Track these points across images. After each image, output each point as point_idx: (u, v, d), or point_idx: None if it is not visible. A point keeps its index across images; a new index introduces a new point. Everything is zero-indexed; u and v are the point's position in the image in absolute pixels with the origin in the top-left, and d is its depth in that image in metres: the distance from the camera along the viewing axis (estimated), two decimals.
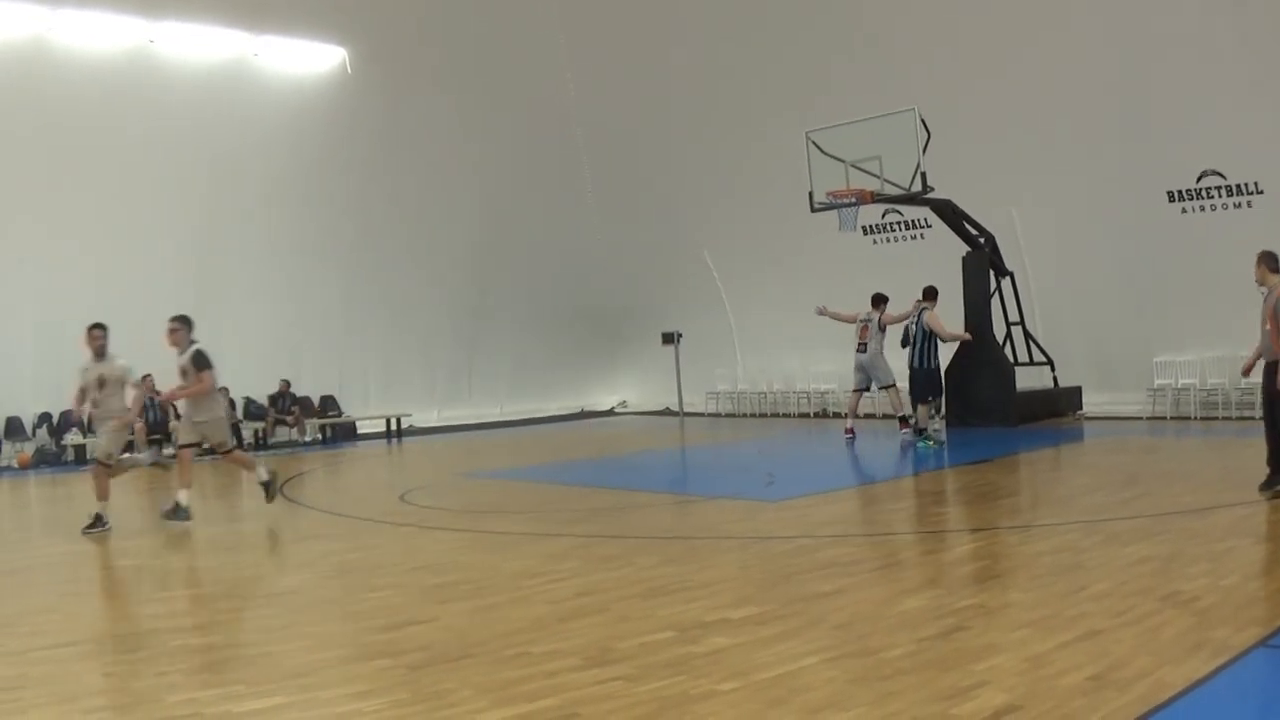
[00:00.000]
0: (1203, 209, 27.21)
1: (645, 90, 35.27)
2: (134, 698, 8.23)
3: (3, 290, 30.14)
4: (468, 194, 36.76)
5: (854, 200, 26.91)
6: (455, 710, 7.50)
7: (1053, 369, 29.64)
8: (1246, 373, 16.06)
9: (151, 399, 28.59)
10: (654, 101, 35.47)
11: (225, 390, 30.51)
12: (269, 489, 19.18)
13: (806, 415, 35.19)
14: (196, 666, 9.00)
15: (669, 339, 35.59)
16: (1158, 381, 28.07)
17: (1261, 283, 14.71)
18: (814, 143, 27.79)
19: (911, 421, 25.40)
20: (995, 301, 28.56)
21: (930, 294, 25.26)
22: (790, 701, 7.42)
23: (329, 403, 36.23)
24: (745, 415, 36.30)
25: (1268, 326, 14.55)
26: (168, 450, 27.82)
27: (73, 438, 30.90)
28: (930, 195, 26.58)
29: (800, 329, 33.07)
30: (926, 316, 24.63)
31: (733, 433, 27.52)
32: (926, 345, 25.06)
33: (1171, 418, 27.37)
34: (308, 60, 34.95)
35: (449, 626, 9.98)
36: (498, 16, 34.61)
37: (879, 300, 26.44)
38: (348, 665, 8.94)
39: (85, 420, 26.70)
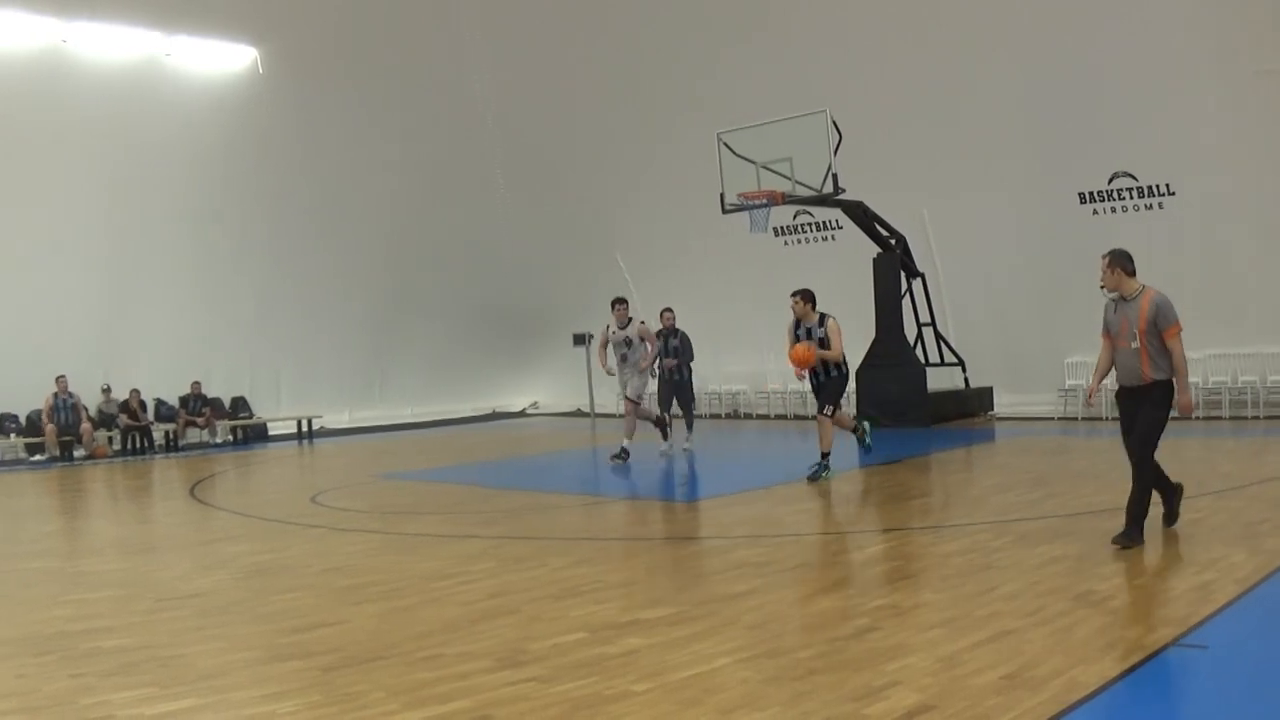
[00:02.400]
0: (1114, 210, 27.51)
1: (558, 89, 35.37)
2: (47, 700, 8.20)
3: None
4: (381, 194, 36.73)
5: (765, 202, 27.00)
6: (368, 712, 7.52)
7: (964, 370, 29.85)
8: (1090, 399, 14.75)
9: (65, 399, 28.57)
10: (566, 101, 35.56)
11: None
12: None
13: (718, 416, 35.30)
14: (109, 669, 8.97)
15: (580, 340, 35.62)
16: (1069, 382, 28.30)
17: (1115, 288, 12.43)
18: (725, 144, 27.87)
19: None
20: (906, 302, 28.73)
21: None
22: (704, 702, 7.47)
23: (240, 404, 36.06)
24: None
25: (1134, 344, 12.14)
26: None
27: None
28: (841, 197, 26.69)
29: (713, 330, 33.16)
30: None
31: (644, 433, 27.52)
32: None
33: (1083, 418, 27.59)
34: (219, 60, 34.79)
35: (361, 628, 9.98)
36: (409, 15, 34.55)
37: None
38: (260, 667, 8.92)
39: None
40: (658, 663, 8.40)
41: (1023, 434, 25.48)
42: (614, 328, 23.38)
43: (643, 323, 23.85)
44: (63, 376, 30.84)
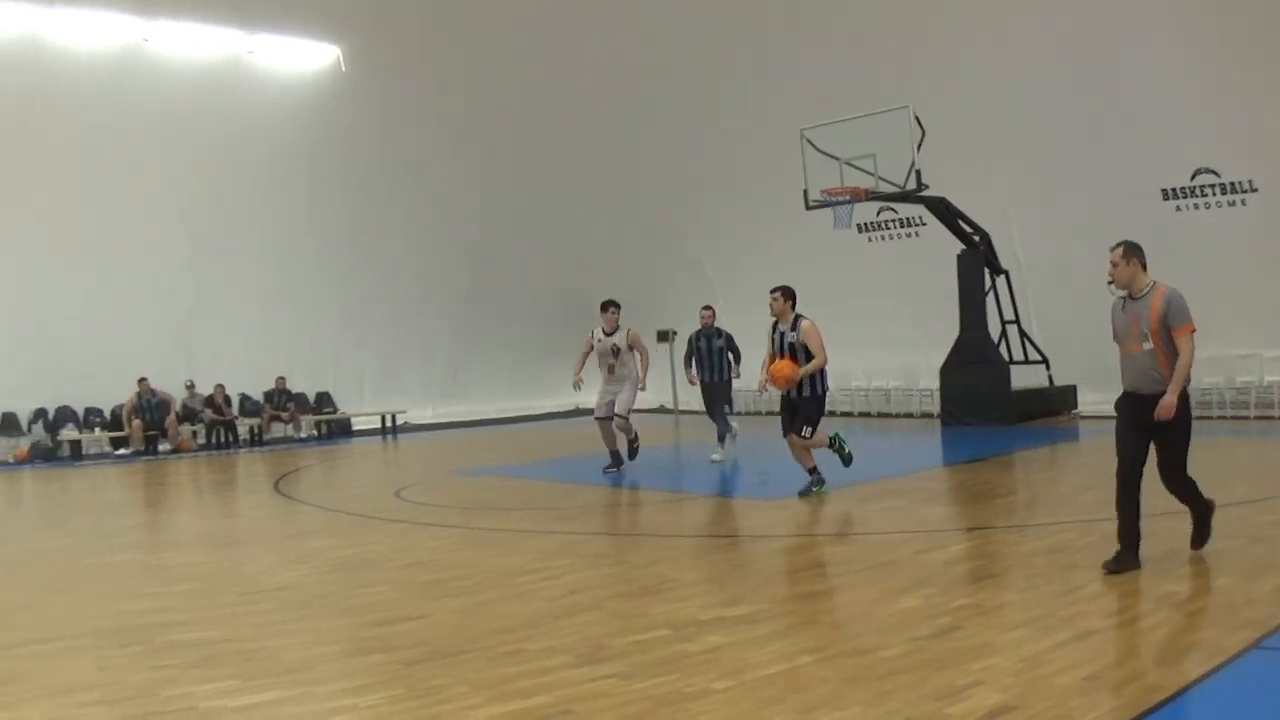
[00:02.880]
0: (1196, 206, 27.22)
1: (642, 88, 35.21)
2: (128, 691, 8.22)
3: (2, 288, 30.16)
4: (463, 191, 36.78)
5: (849, 198, 26.89)
6: (450, 706, 7.50)
7: (1048, 367, 29.62)
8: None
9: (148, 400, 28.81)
10: (650, 99, 35.41)
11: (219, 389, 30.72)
12: None
13: None
14: (191, 661, 8.99)
15: (664, 336, 35.52)
16: None
17: (1127, 284, 11.19)
18: (809, 140, 27.77)
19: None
20: (990, 300, 28.53)
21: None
22: (785, 700, 7.41)
23: (324, 399, 36.24)
24: (740, 413, 36.18)
25: (1147, 345, 10.94)
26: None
27: (68, 433, 30.94)
28: (925, 193, 26.55)
29: None
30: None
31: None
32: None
33: None
34: (301, 58, 35.02)
35: (443, 623, 9.97)
36: (489, 12, 34.54)
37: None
38: (343, 660, 8.93)
39: None
40: (738, 660, 8.33)
41: (1106, 433, 25.13)
42: (600, 334, 21.29)
43: (630, 330, 21.37)
44: (144, 379, 31.03)
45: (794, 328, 16.83)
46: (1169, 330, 10.80)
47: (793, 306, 17.15)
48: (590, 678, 8.05)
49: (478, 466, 23.32)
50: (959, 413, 27.62)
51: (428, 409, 38.25)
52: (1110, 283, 11.33)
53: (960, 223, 28.12)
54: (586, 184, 37.99)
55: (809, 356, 16.72)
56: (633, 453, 21.87)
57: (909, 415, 31.90)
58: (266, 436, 33.96)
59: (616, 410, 21.22)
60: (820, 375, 16.97)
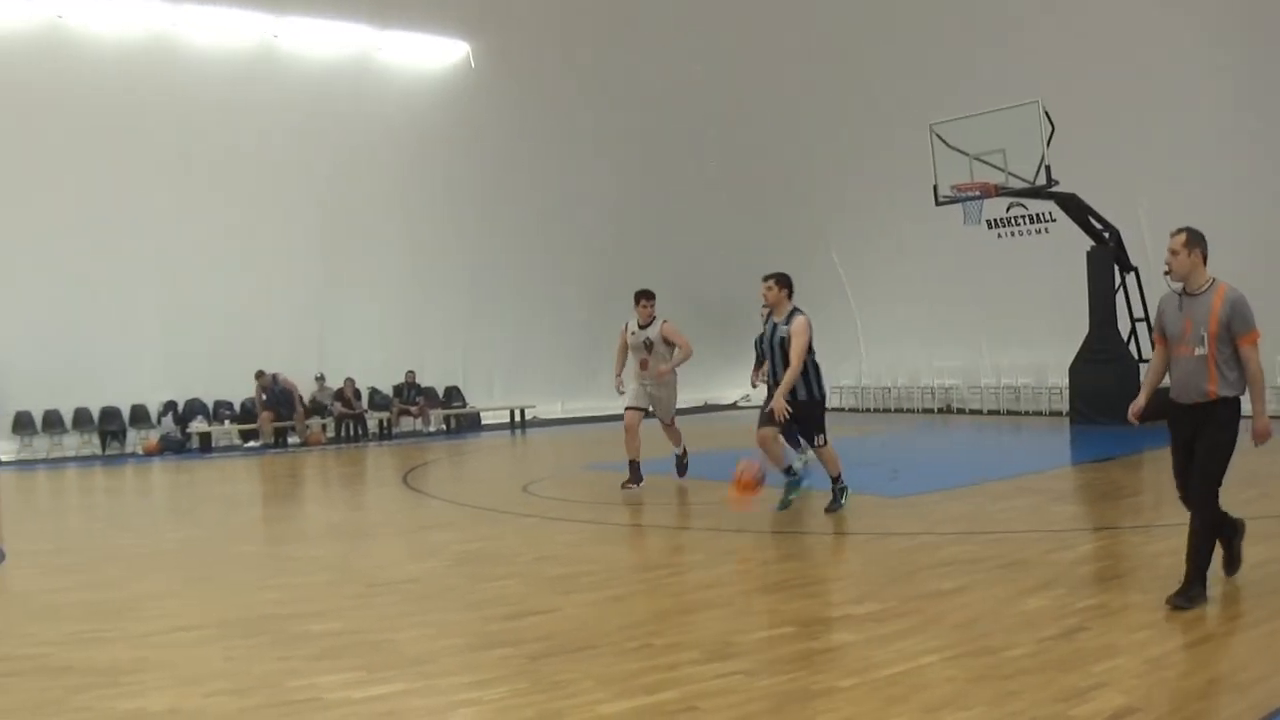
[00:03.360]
0: None
1: (769, 83, 35.08)
2: (254, 682, 8.27)
3: (131, 283, 30.62)
4: (592, 185, 36.79)
5: (978, 193, 26.69)
6: (575, 701, 7.47)
7: None
8: (1139, 418, 10.37)
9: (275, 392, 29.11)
10: (778, 93, 35.27)
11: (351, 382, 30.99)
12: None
13: (930, 411, 34.93)
14: (317, 652, 9.03)
15: None
16: None
17: (1185, 277, 9.98)
18: (938, 135, 27.60)
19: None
20: (1120, 297, 28.21)
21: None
22: (910, 699, 7.34)
23: (454, 393, 36.39)
24: (869, 410, 36.05)
25: (1200, 350, 9.67)
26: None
27: (197, 425, 31.29)
28: (1055, 189, 26.29)
29: (925, 323, 32.91)
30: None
31: (856, 427, 27.25)
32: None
33: None
34: (431, 55, 35.26)
35: (570, 617, 9.96)
36: (620, 7, 34.53)
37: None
38: (468, 654, 8.92)
39: None
40: (864, 659, 8.26)
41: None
42: (633, 327, 19.07)
43: (666, 322, 18.93)
44: (261, 372, 31.23)
45: (787, 321, 15.56)
46: (1231, 336, 9.56)
47: (789, 297, 16.03)
48: (716, 674, 7.99)
49: (607, 461, 23.29)
50: (1089, 411, 27.31)
51: (557, 403, 38.32)
52: (1167, 273, 10.11)
53: (1090, 219, 27.80)
54: (716, 180, 37.88)
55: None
56: (681, 468, 19.43)
57: (1038, 413, 31.57)
58: (395, 430, 34.19)
59: (660, 416, 19.16)
60: (817, 377, 15.63)
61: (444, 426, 35.43)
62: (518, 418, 36.20)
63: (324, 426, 32.96)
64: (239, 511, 19.05)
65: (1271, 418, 9.62)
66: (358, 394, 33.69)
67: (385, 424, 34.14)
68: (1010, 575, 10.99)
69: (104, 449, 31.10)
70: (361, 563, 13.38)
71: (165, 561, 14.06)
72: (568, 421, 37.23)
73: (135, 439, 31.35)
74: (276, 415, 31.33)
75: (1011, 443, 25.39)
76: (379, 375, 34.60)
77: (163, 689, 8.14)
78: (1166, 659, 7.94)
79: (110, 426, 31.40)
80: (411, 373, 34.62)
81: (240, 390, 32.00)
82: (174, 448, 30.72)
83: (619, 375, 19.51)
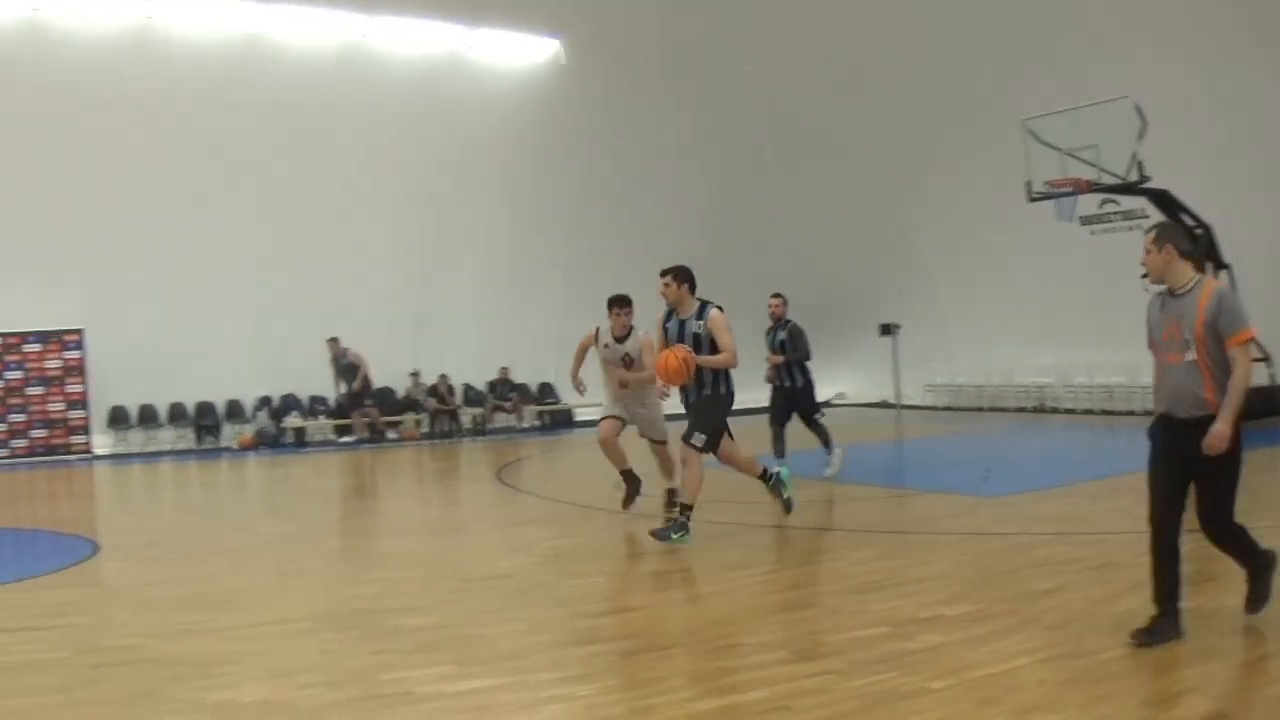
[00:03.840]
0: None
1: (863, 82, 34.92)
2: (347, 675, 8.32)
3: (228, 279, 30.93)
4: (683, 183, 36.76)
5: (1071, 190, 26.51)
6: (664, 699, 7.46)
7: (1269, 365, 28.94)
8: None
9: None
10: (871, 92, 35.12)
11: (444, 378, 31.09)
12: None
13: (1024, 410, 34.69)
14: (409, 646, 9.08)
15: (887, 330, 35.29)
16: None
17: (1161, 276, 8.75)
18: (1030, 130, 27.42)
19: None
20: None
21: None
22: (1002, 701, 7.29)
23: (547, 390, 36.44)
24: (963, 409, 35.84)
25: (1189, 355, 8.59)
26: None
27: (292, 420, 31.50)
28: (1147, 184, 26.07)
29: (1019, 321, 32.69)
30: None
31: (949, 426, 27.16)
32: None
33: None
34: (521, 52, 35.39)
35: (660, 615, 9.97)
36: (713, 6, 34.47)
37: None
38: (559, 649, 8.95)
39: None
40: (956, 660, 8.20)
41: None
42: (607, 339, 16.94)
43: (646, 334, 16.52)
44: (334, 340, 31.00)
45: (700, 316, 14.31)
46: (1220, 337, 8.46)
47: (692, 291, 14.74)
48: (807, 674, 7.96)
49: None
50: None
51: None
52: (1144, 275, 9.04)
53: (1183, 215, 27.55)
54: (808, 178, 37.74)
55: (714, 351, 14.09)
56: (672, 505, 15.66)
57: (1131, 413, 31.28)
58: (489, 426, 34.30)
59: (654, 436, 16.64)
60: (725, 376, 14.34)
61: (537, 423, 35.51)
62: None
63: (418, 422, 33.12)
64: (333, 506, 19.18)
65: None
66: (451, 390, 33.83)
67: (479, 420, 34.25)
68: (1104, 576, 10.89)
69: (199, 443, 31.40)
70: (455, 558, 13.44)
71: (260, 555, 14.17)
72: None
73: (230, 433, 31.64)
74: (352, 397, 31.31)
75: (1105, 442, 25.18)
76: (473, 372, 34.75)
77: (255, 681, 8.22)
78: (1259, 665, 7.87)
79: (205, 421, 31.76)
80: (505, 369, 34.74)
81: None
82: (269, 442, 30.98)
83: (576, 375, 17.73)
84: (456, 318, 34.42)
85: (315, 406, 32.62)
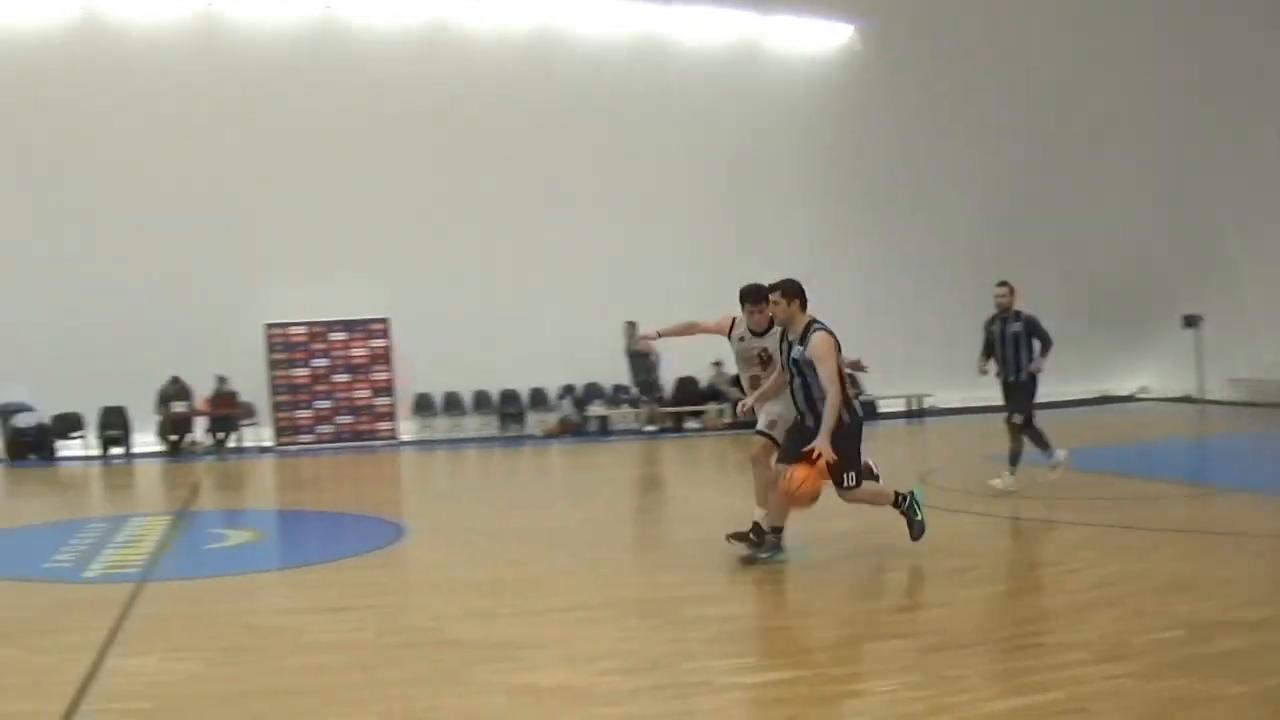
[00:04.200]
0: None
1: (1157, 68, 34.12)
2: (647, 662, 8.37)
3: (531, 269, 31.39)
4: (981, 170, 36.28)
5: None
6: (963, 697, 7.36)
7: None
8: None
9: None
10: (1163, 79, 34.29)
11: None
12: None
13: None
14: (711, 636, 9.10)
15: (1190, 322, 34.43)
16: None
17: None
18: None
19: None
20: None
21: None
22: None
23: (850, 381, 36.22)
24: (1268, 404, 34.83)
25: None
26: None
27: (596, 409, 31.76)
28: None
29: None
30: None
31: (1254, 423, 26.45)
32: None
33: None
34: (815, 39, 35.24)
35: (963, 611, 9.83)
36: None
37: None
38: (860, 644, 8.93)
39: None
40: (1255, 667, 7.91)
41: None
42: (743, 330, 14.39)
43: (822, 333, 12.73)
44: (631, 325, 30.93)
45: (803, 340, 12.34)
46: None
47: (803, 308, 12.82)
48: (1106, 675, 7.78)
49: (1005, 453, 23.00)
50: None
51: (955, 392, 37.89)
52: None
53: None
54: (1107, 162, 36.94)
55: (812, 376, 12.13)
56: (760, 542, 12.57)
57: None
58: None
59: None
60: (845, 403, 12.04)
61: None
62: (914, 406, 35.91)
63: (720, 412, 33.16)
64: (635, 494, 19.34)
65: None
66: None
67: None
68: None
69: (503, 431, 31.86)
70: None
71: (563, 541, 14.32)
72: (966, 411, 36.77)
73: (534, 422, 32.03)
74: (645, 386, 31.38)
75: None
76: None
77: (555, 666, 8.33)
78: None
79: (510, 409, 32.20)
80: None
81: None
82: (572, 430, 31.25)
83: (659, 333, 15.55)
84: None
85: (619, 395, 32.84)
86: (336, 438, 30.75)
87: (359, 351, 31.19)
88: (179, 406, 28.77)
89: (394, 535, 15.11)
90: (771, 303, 12.98)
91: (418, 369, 31.03)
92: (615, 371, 32.15)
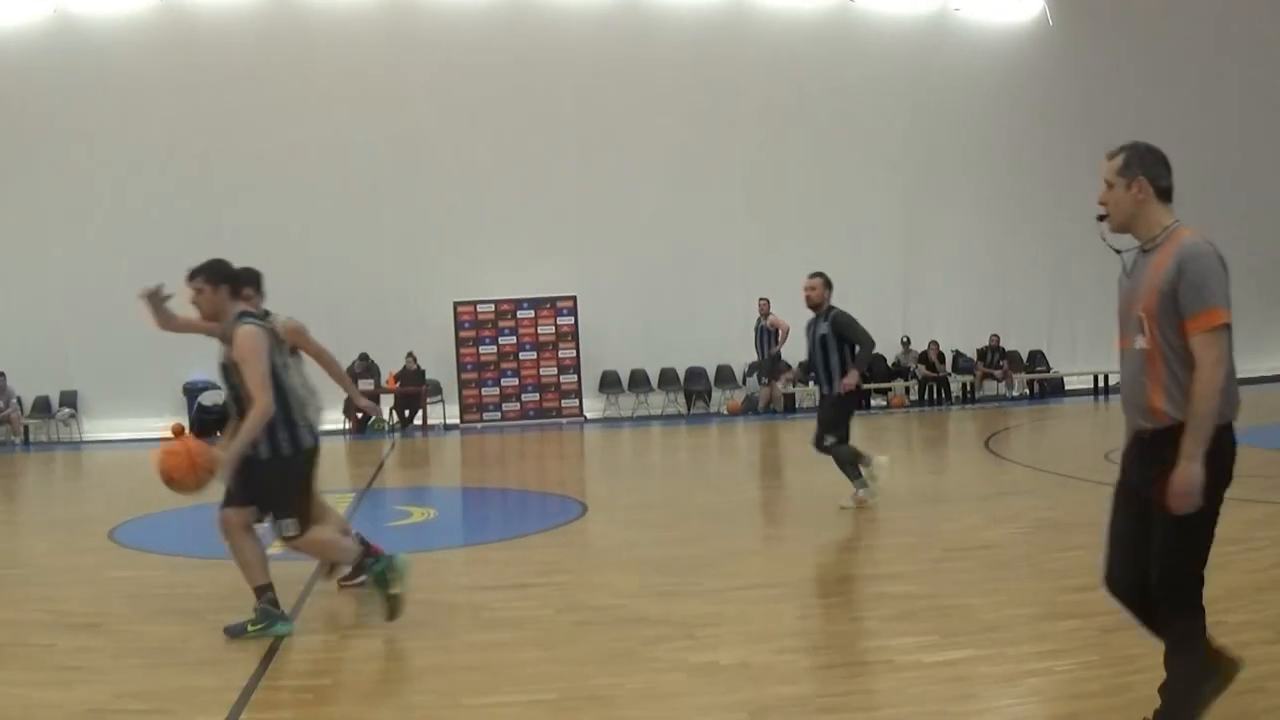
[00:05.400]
0: None
1: None
2: (826, 640, 8.44)
3: (719, 248, 31.38)
4: (1174, 146, 35.60)
5: None
6: (1142, 676, 7.22)
7: None
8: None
9: None
10: None
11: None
12: None
13: None
14: (891, 615, 9.11)
15: None
16: None
17: (1124, 223, 6.07)
18: None
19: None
20: None
21: None
22: None
23: (1037, 357, 35.90)
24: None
25: (1139, 342, 5.92)
26: None
27: (781, 386, 31.73)
28: None
29: None
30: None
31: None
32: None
33: None
34: (1007, 11, 34.87)
35: None
36: None
37: None
38: (1039, 623, 8.86)
39: None
40: None
41: None
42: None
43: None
44: (764, 301, 30.72)
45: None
46: (1177, 316, 5.69)
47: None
48: None
49: None
50: None
51: None
52: (1101, 217, 6.13)
53: None
54: None
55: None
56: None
57: None
58: (978, 394, 33.99)
59: None
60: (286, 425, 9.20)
61: (1026, 391, 35.02)
62: (1101, 383, 35.51)
63: (907, 390, 33.06)
64: (818, 471, 19.23)
65: None
66: (941, 357, 33.64)
67: (968, 388, 33.98)
68: None
69: (689, 408, 31.94)
70: (939, 527, 13.34)
71: (745, 519, 14.42)
72: None
73: (720, 399, 32.06)
74: (769, 363, 31.15)
75: None
76: (962, 338, 34.44)
77: (734, 644, 8.37)
78: None
79: (696, 386, 32.25)
80: (995, 336, 34.33)
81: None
82: (757, 408, 31.20)
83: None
84: (947, 283, 34.19)
85: (807, 373, 32.73)
86: (521, 415, 31.02)
87: (545, 329, 31.41)
88: (366, 384, 29.18)
89: (576, 512, 15.24)
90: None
91: (604, 346, 31.26)
92: (799, 348, 32.08)
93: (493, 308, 31.25)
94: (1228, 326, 5.66)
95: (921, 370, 33.19)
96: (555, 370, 31.40)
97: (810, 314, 14.62)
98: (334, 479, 22.37)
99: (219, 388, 29.50)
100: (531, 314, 31.37)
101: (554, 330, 31.40)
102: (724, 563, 11.37)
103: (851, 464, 14.33)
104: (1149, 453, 5.93)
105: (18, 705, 7.58)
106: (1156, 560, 5.96)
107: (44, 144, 29.38)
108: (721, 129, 31.63)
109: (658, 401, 32.18)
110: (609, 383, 32.03)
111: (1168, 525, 5.83)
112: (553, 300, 31.36)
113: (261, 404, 8.68)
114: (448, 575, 11.50)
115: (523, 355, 31.32)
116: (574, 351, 31.42)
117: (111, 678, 8.16)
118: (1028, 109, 34.30)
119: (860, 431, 25.74)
